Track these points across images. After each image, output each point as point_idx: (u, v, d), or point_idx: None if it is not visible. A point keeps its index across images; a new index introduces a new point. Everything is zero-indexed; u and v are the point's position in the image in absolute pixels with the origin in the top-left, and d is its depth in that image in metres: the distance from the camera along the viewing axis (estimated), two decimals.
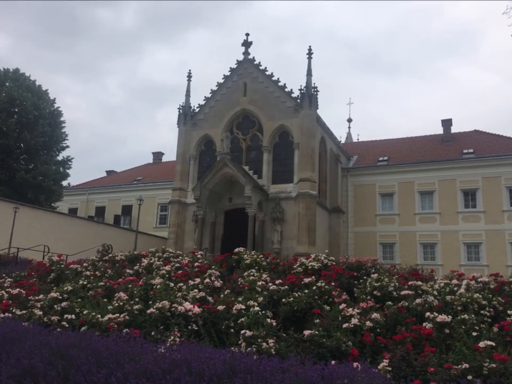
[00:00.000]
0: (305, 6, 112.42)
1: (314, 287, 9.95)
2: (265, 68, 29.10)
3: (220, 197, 27.90)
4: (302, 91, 27.41)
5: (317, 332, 7.64)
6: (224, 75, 30.26)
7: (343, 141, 45.45)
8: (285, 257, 15.01)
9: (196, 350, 6.28)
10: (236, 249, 14.14)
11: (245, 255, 13.41)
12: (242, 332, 7.72)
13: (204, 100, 30.76)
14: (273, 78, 28.66)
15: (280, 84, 28.40)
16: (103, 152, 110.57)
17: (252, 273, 11.31)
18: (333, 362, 6.45)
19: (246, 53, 30.02)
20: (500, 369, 6.06)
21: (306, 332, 7.71)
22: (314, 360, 6.62)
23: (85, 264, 14.54)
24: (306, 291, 9.74)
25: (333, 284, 10.39)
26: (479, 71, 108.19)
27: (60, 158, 35.99)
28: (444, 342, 7.47)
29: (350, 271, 11.69)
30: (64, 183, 37.15)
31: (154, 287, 10.64)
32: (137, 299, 9.87)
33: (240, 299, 9.42)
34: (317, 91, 27.57)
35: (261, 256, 13.53)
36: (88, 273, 13.09)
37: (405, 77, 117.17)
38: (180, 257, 14.61)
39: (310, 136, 26.86)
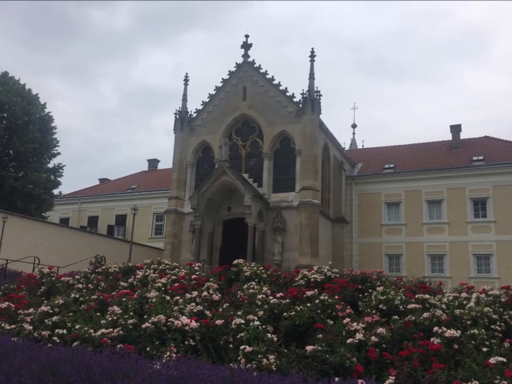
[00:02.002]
0: (307, 6, 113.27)
1: (317, 301, 9.95)
2: (266, 71, 29.31)
3: (218, 206, 27.93)
4: (304, 95, 27.53)
5: (319, 348, 7.66)
6: (222, 79, 30.45)
7: (347, 147, 45.64)
8: (286, 269, 15.06)
9: (193, 367, 6.30)
10: (235, 261, 14.16)
11: (245, 267, 13.44)
12: (242, 347, 7.74)
13: (201, 105, 30.92)
14: (274, 82, 28.83)
15: (281, 87, 28.56)
16: (96, 159, 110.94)
17: (251, 286, 11.34)
18: (336, 379, 6.47)
19: (245, 56, 30.21)
20: None
21: (309, 348, 7.72)
22: (317, 377, 6.64)
23: (77, 277, 14.54)
24: (308, 305, 9.75)
25: (336, 297, 10.40)
26: (489, 74, 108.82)
27: (50, 165, 36.14)
28: (452, 358, 7.48)
29: (355, 283, 11.70)
30: (55, 191, 37.31)
31: (149, 300, 10.66)
32: (131, 313, 9.90)
33: (239, 313, 9.43)
34: (320, 95, 27.71)
35: (261, 268, 13.56)
36: (80, 286, 13.11)
37: (412, 80, 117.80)
38: (177, 269, 14.63)
39: (313, 142, 26.94)
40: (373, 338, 8.01)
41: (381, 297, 9.94)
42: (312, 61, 28.47)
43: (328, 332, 8.46)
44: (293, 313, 9.39)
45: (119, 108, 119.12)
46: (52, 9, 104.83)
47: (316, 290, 10.83)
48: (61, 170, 36.23)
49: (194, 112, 31.07)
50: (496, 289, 10.94)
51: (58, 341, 9.00)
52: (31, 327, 9.73)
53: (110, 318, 9.66)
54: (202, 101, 30.84)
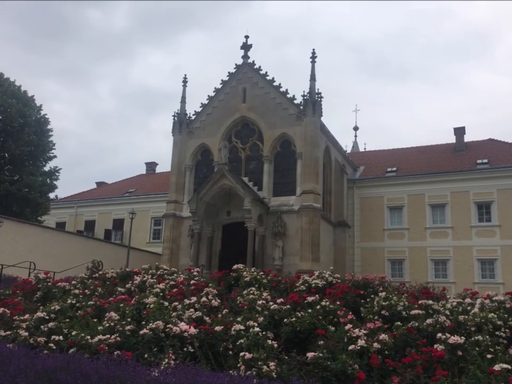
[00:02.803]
0: (308, 6, 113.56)
1: (318, 307, 9.97)
2: (266, 72, 29.33)
3: (218, 210, 27.93)
4: (305, 97, 27.55)
5: (321, 354, 7.67)
6: (222, 80, 30.49)
7: (349, 150, 45.62)
8: (287, 275, 15.10)
9: (192, 374, 6.31)
10: (235, 266, 14.19)
11: (244, 272, 13.46)
12: (242, 354, 7.75)
13: (200, 107, 30.93)
14: (275, 84, 28.84)
15: (281, 89, 28.57)
16: (92, 162, 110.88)
17: (251, 292, 11.36)
18: None
19: (245, 57, 30.25)
20: None
21: (310, 354, 7.74)
22: None
23: (73, 282, 14.57)
24: (309, 311, 9.77)
25: (338, 303, 10.42)
26: (494, 75, 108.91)
27: (46, 168, 36.14)
28: (456, 365, 7.49)
29: (356, 289, 11.72)
30: (51, 195, 37.26)
31: (147, 306, 10.68)
32: (129, 319, 9.92)
33: (239, 319, 9.45)
34: (321, 97, 27.72)
35: (261, 273, 13.58)
36: (77, 291, 13.13)
37: (416, 82, 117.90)
38: (175, 275, 14.68)
39: (314, 145, 26.95)
40: (375, 345, 8.02)
41: (384, 303, 9.95)
42: (313, 62, 28.52)
43: (330, 339, 8.47)
44: (294, 319, 9.40)
45: (116, 110, 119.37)
46: (48, 10, 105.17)
47: (317, 296, 10.86)
48: (57, 174, 36.25)
49: (193, 114, 31.09)
50: (500, 294, 10.94)
51: (54, 347, 9.01)
52: (26, 334, 9.74)
53: (107, 324, 9.67)
54: (201, 103, 30.88)
